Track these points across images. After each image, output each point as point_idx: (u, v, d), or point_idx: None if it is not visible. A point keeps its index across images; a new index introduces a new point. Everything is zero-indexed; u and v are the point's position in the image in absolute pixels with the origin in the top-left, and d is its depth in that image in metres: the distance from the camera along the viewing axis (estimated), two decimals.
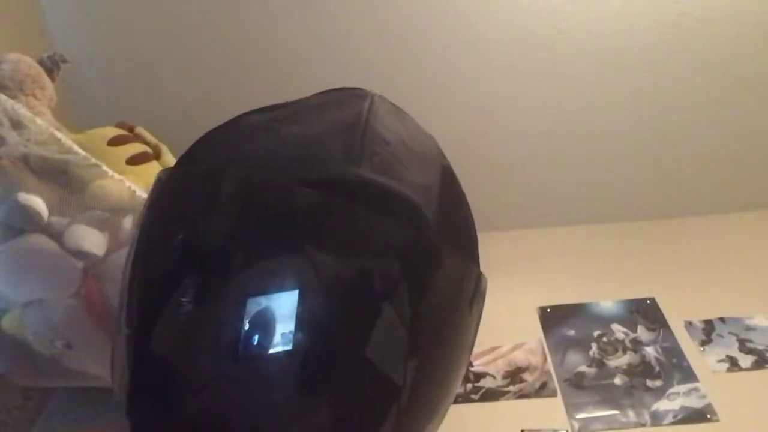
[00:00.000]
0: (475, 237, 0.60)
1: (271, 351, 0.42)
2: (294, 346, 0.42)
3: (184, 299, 0.46)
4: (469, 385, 0.86)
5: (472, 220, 0.60)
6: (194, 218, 0.49)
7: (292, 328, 0.42)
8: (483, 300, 0.59)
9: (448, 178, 0.58)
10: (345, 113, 0.55)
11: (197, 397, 0.46)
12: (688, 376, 0.83)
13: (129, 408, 0.48)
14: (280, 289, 0.44)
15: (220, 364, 0.44)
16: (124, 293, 0.52)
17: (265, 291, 0.44)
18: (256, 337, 0.42)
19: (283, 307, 0.42)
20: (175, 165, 0.57)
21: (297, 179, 0.47)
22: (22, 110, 0.73)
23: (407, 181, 0.51)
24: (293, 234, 0.45)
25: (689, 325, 0.91)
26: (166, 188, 0.53)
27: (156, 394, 0.47)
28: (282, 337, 0.42)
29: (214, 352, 0.45)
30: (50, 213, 0.70)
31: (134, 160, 0.81)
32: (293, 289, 0.43)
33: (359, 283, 0.45)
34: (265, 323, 0.42)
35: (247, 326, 0.42)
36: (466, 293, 0.55)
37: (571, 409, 0.81)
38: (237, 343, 0.43)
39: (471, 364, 0.88)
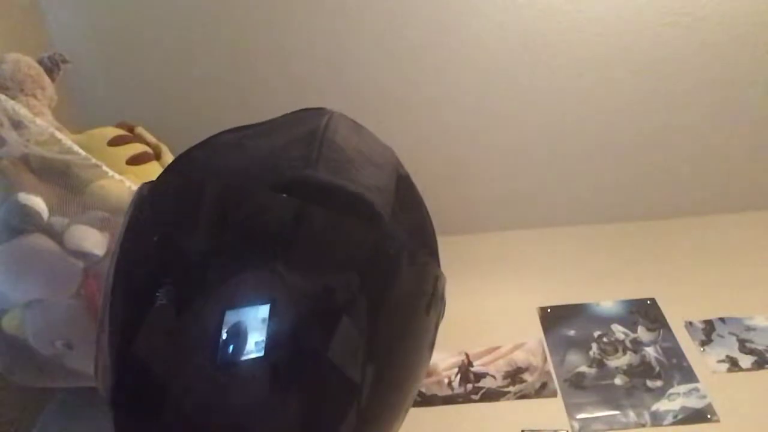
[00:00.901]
0: (435, 240, 0.64)
1: (245, 357, 0.48)
2: (265, 353, 0.48)
3: (165, 308, 0.51)
4: (470, 386, 0.86)
5: (432, 224, 0.64)
6: (174, 230, 0.54)
7: (264, 337, 0.48)
8: (442, 301, 0.63)
9: (404, 185, 0.63)
10: (305, 127, 0.61)
11: (179, 400, 0.50)
12: (689, 376, 0.83)
13: (113, 408, 0.54)
14: (254, 303, 0.50)
15: (200, 370, 0.50)
16: (108, 294, 0.56)
17: (240, 304, 0.50)
18: (233, 346, 0.48)
19: (256, 319, 0.48)
20: (156, 179, 0.61)
21: (260, 185, 0.54)
22: (22, 110, 0.73)
23: (361, 183, 0.57)
24: (265, 253, 0.51)
25: (689, 325, 0.91)
26: (147, 199, 0.58)
27: (139, 396, 0.52)
28: (255, 345, 0.48)
29: (195, 359, 0.50)
30: (50, 213, 0.70)
31: (134, 161, 0.82)
32: (265, 303, 0.49)
33: (322, 298, 0.52)
34: (240, 333, 0.48)
35: (224, 336, 0.48)
36: (423, 298, 0.59)
37: (571, 409, 0.81)
38: (216, 351, 0.48)
39: (471, 365, 0.89)
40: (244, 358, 0.48)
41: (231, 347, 0.48)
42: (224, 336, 0.48)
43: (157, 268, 0.53)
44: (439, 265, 0.63)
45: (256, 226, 0.52)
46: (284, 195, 0.53)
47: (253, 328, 0.48)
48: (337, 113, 0.64)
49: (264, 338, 0.48)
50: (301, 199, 0.52)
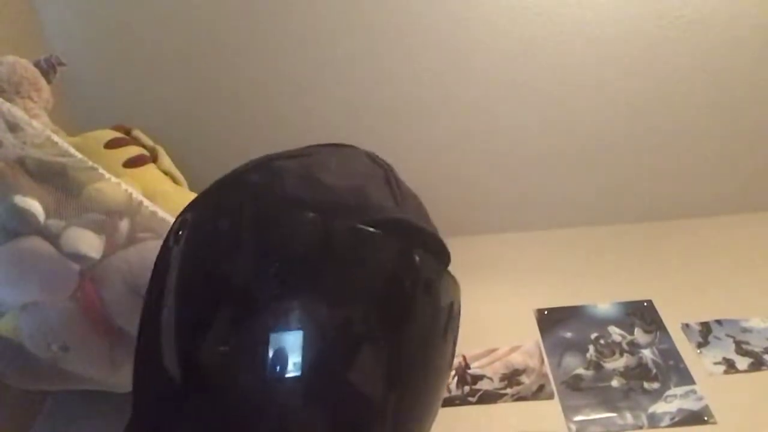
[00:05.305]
0: (448, 261, 0.68)
1: (287, 375, 0.54)
2: (301, 372, 0.54)
3: (223, 327, 0.57)
4: (467, 388, 0.86)
5: (448, 251, 0.68)
6: (229, 256, 0.59)
7: (300, 359, 0.54)
8: (457, 324, 0.67)
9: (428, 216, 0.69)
10: (374, 169, 0.66)
11: (232, 407, 0.56)
12: (685, 378, 0.83)
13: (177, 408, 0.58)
14: (291, 329, 0.56)
15: (252, 383, 0.56)
16: (171, 306, 0.60)
17: (282, 330, 0.56)
18: (278, 366, 0.55)
19: (294, 343, 0.55)
20: (204, 202, 0.64)
21: (363, 221, 0.58)
22: (18, 113, 0.72)
23: (429, 223, 0.65)
24: (301, 286, 0.57)
25: (686, 327, 0.91)
26: (200, 230, 0.61)
27: (198, 396, 0.57)
28: (293, 366, 0.54)
29: (248, 374, 0.56)
30: (47, 216, 0.70)
31: (131, 163, 0.81)
32: (299, 330, 0.56)
33: (344, 328, 0.57)
34: (283, 355, 0.55)
35: (271, 355, 0.55)
36: (440, 325, 0.63)
37: (568, 411, 0.81)
38: (265, 369, 0.55)
39: (468, 367, 0.88)
40: (286, 376, 0.54)
41: (277, 367, 0.55)
42: (271, 356, 0.55)
43: (216, 290, 0.58)
44: (454, 282, 0.66)
45: (294, 260, 0.57)
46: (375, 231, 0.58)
47: (291, 351, 0.55)
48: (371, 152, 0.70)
49: (299, 360, 0.54)
50: (399, 239, 0.59)
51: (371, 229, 0.57)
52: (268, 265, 0.58)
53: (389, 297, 0.59)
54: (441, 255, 0.64)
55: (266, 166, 0.63)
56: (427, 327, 0.62)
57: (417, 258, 0.60)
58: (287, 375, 0.54)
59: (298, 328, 0.56)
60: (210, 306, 0.58)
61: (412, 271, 0.60)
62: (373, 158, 0.68)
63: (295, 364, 0.54)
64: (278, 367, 0.55)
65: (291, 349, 0.55)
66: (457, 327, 0.67)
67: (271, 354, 0.54)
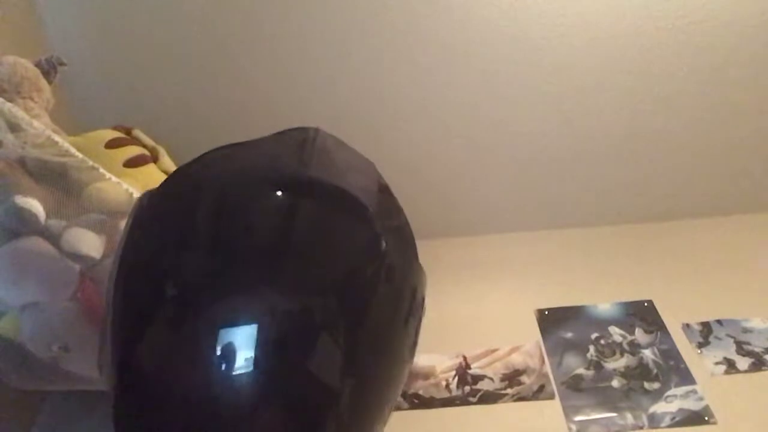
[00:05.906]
0: (414, 246, 0.67)
1: (236, 372, 0.53)
2: (253, 368, 0.53)
3: (164, 322, 0.55)
4: (467, 388, 0.86)
5: (411, 230, 0.67)
6: (172, 246, 0.58)
7: (252, 354, 0.53)
8: (420, 311, 0.66)
9: (385, 192, 0.67)
10: (294, 139, 0.67)
11: (176, 408, 0.55)
12: (686, 378, 0.83)
13: (115, 407, 0.57)
14: (243, 323, 0.54)
15: (196, 382, 0.54)
16: (110, 302, 0.59)
17: (231, 324, 0.54)
18: (225, 362, 0.53)
19: (245, 338, 0.53)
20: (152, 195, 0.64)
21: (260, 182, 0.58)
22: (19, 113, 0.72)
23: (350, 184, 0.62)
24: (253, 276, 0.55)
25: (687, 327, 0.91)
26: (145, 215, 0.61)
27: (139, 400, 0.56)
28: (245, 361, 0.52)
29: (191, 373, 0.54)
30: (47, 216, 0.70)
31: (132, 163, 0.81)
32: (252, 323, 0.54)
33: (303, 318, 0.56)
34: (232, 350, 0.53)
35: (218, 352, 0.53)
36: (401, 313, 0.62)
37: (569, 411, 0.81)
38: (210, 366, 0.53)
39: (469, 367, 0.89)
40: (235, 372, 0.53)
41: (224, 364, 0.52)
42: (218, 352, 0.52)
43: (157, 284, 0.56)
44: (419, 269, 0.65)
45: (246, 247, 0.56)
46: (277, 194, 0.57)
47: (243, 346, 0.53)
48: (321, 129, 0.69)
49: (252, 355, 0.53)
50: (296, 194, 0.57)
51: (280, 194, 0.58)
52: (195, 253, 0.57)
53: (345, 281, 0.58)
54: (351, 209, 0.61)
55: (199, 159, 0.65)
56: (387, 311, 0.61)
57: (383, 243, 0.60)
58: (238, 371, 0.53)
59: (251, 322, 0.54)
60: (145, 306, 0.57)
61: (374, 255, 0.60)
62: (304, 135, 0.68)
63: (246, 359, 0.53)
64: (226, 364, 0.52)
65: (242, 344, 0.53)
66: (420, 316, 0.66)
67: (219, 351, 0.52)
